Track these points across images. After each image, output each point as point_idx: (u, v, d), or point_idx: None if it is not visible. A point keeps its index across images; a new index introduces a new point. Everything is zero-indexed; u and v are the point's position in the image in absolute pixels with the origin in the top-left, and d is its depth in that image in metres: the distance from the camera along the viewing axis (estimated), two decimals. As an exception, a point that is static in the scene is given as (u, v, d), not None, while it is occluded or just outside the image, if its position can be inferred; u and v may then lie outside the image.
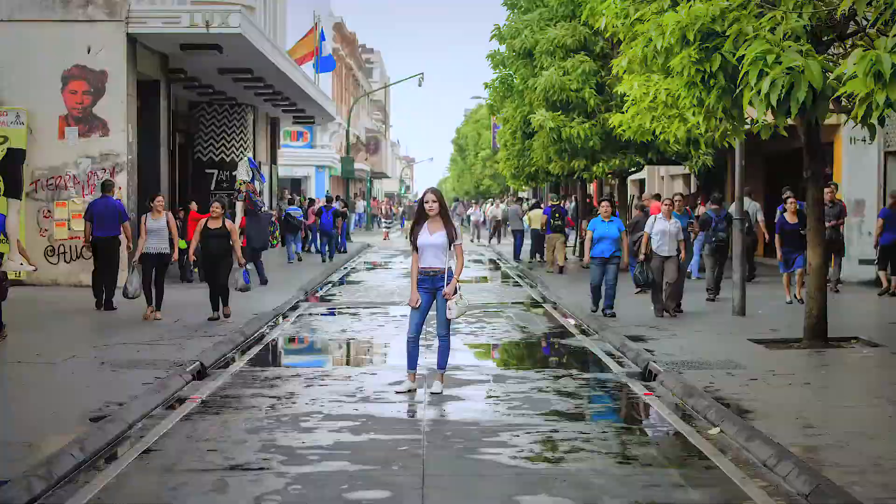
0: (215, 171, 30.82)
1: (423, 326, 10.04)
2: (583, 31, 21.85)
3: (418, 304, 9.84)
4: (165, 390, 9.63)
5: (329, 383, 10.54)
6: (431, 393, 9.80)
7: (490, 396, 9.91)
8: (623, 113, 13.85)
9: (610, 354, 12.58)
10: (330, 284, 22.89)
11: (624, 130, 14.49)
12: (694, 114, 11.11)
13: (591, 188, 38.20)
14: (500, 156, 35.97)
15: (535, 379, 10.79)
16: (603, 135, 21.67)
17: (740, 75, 8.27)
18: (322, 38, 40.39)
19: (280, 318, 16.11)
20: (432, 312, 10.00)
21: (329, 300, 19.46)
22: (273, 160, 36.63)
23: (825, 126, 14.95)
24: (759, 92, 7.90)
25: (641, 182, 39.60)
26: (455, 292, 9.79)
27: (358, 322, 15.84)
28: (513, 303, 18.96)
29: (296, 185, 55.32)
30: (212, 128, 30.76)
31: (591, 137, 21.48)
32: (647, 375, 10.97)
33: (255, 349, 13.00)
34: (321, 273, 24.56)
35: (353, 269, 28.70)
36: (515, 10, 25.74)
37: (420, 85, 45.42)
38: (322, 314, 17.12)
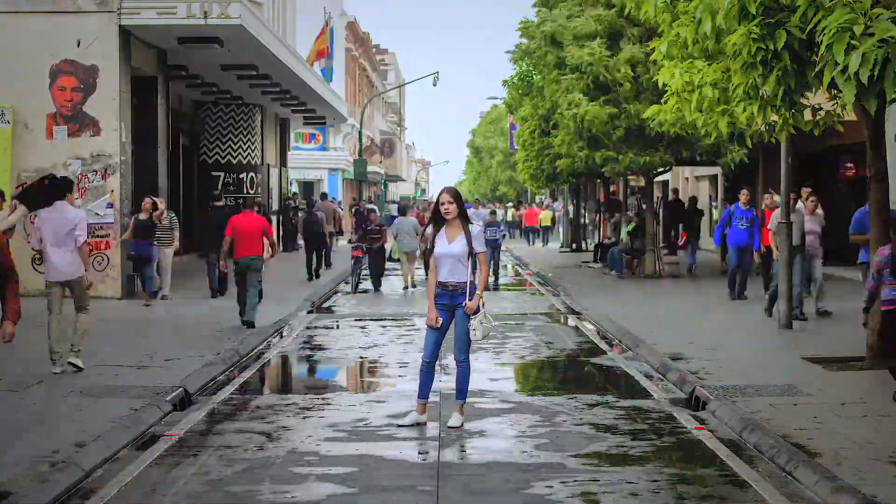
0: (222, 174, 29.59)
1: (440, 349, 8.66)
2: (614, 19, 20.45)
3: (439, 322, 8.44)
4: (136, 426, 8.25)
5: (328, 414, 9.15)
6: (449, 427, 8.40)
7: (516, 431, 8.51)
8: (662, 104, 12.40)
9: (648, 376, 11.18)
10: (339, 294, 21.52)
11: (661, 123, 13.09)
12: (744, 109, 9.63)
13: (613, 189, 36.74)
14: (517, 157, 34.68)
15: (566, 408, 9.37)
16: (630, 127, 20.24)
17: (820, 50, 6.85)
18: (331, 38, 39.16)
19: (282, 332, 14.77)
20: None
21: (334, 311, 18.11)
22: (283, 163, 35.30)
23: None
24: (844, 70, 6.48)
25: (665, 183, 38.04)
26: (478, 310, 8.40)
27: (365, 337, 14.47)
28: (534, 313, 17.53)
29: (308, 188, 54.01)
30: (217, 128, 29.52)
31: (614, 127, 20.08)
32: (694, 403, 9.55)
33: (249, 371, 11.63)
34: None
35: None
36: (546, 8, 24.29)
37: (435, 84, 43.94)
38: (326, 328, 15.74)
